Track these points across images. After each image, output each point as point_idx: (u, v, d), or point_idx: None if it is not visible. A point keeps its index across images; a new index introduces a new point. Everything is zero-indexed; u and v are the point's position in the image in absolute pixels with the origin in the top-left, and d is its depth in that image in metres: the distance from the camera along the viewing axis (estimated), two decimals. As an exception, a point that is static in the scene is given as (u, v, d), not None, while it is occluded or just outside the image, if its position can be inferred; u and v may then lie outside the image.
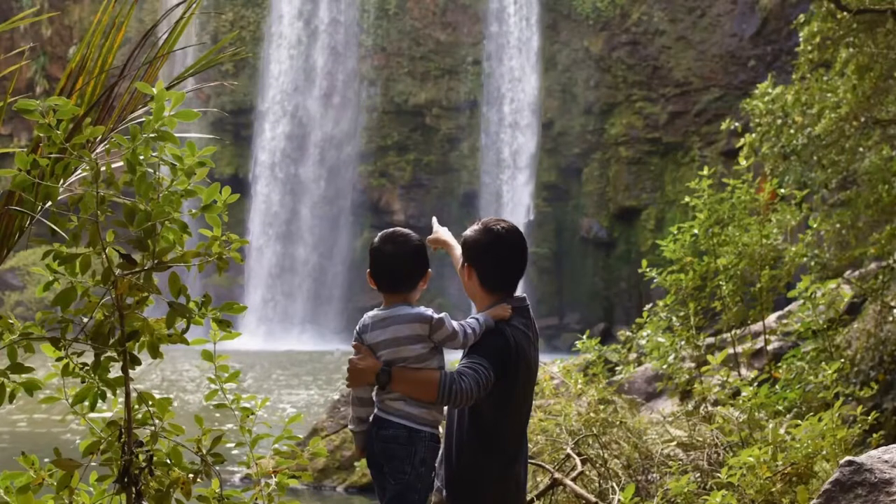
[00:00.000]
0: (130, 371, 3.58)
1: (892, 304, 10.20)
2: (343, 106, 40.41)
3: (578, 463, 7.42)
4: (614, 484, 7.24)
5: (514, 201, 39.02)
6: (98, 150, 3.63)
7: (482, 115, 39.75)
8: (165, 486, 3.64)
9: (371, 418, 3.79)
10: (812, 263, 10.82)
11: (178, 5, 3.80)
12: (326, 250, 39.88)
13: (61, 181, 3.52)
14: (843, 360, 9.26)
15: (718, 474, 6.69)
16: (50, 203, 3.50)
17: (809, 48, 12.62)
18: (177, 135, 3.52)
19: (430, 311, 3.70)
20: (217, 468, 3.83)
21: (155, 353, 3.62)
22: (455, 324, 3.70)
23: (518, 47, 39.63)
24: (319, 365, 29.12)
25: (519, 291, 3.93)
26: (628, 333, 10.06)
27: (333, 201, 40.16)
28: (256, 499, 4.06)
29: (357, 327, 3.83)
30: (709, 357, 8.34)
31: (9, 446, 13.50)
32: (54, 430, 15.51)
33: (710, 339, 11.26)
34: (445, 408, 3.80)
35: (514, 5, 39.68)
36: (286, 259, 39.74)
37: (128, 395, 3.57)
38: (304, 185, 40.21)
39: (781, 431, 6.71)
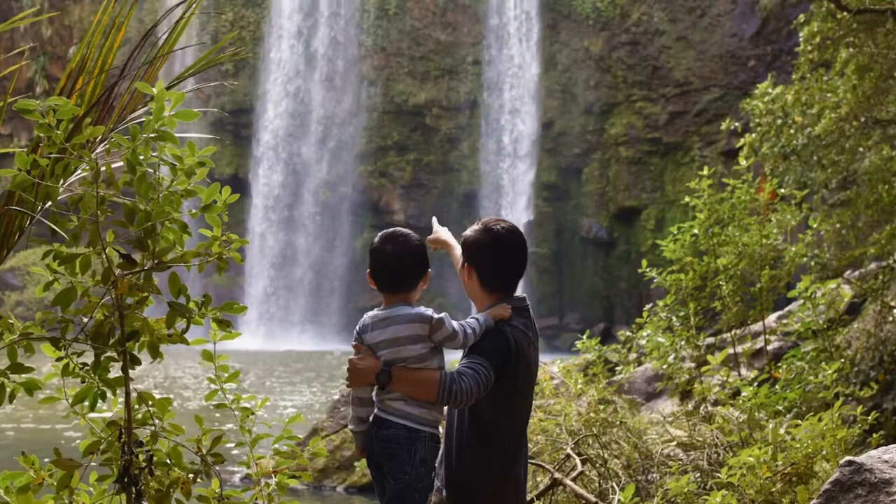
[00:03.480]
0: (130, 371, 3.57)
1: (892, 304, 10.19)
2: (343, 109, 40.39)
3: (578, 463, 7.42)
4: (614, 484, 7.24)
5: (515, 191, 38.99)
6: (98, 150, 3.63)
7: (482, 114, 39.76)
8: (165, 486, 3.64)
9: (371, 418, 3.79)
10: (812, 263, 10.81)
11: (178, 5, 3.80)
12: (327, 249, 39.89)
13: (61, 181, 3.52)
14: (843, 360, 9.25)
15: (718, 474, 6.69)
16: (50, 203, 3.50)
17: (809, 48, 12.62)
18: (177, 135, 3.52)
19: (430, 311, 3.70)
20: (217, 468, 3.82)
21: (155, 353, 3.61)
22: (455, 324, 3.70)
23: (518, 48, 39.63)
24: (319, 365, 29.12)
25: (519, 291, 3.93)
26: (628, 333, 10.05)
27: (333, 205, 40.16)
28: (256, 499, 4.06)
29: (357, 327, 3.83)
30: (709, 357, 8.33)
31: (9, 446, 13.50)
32: (54, 430, 15.51)
33: (710, 339, 11.26)
34: (445, 408, 3.80)
35: (513, 7, 39.68)
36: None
37: (128, 395, 3.57)
38: (304, 183, 40.23)
39: (781, 431, 6.71)
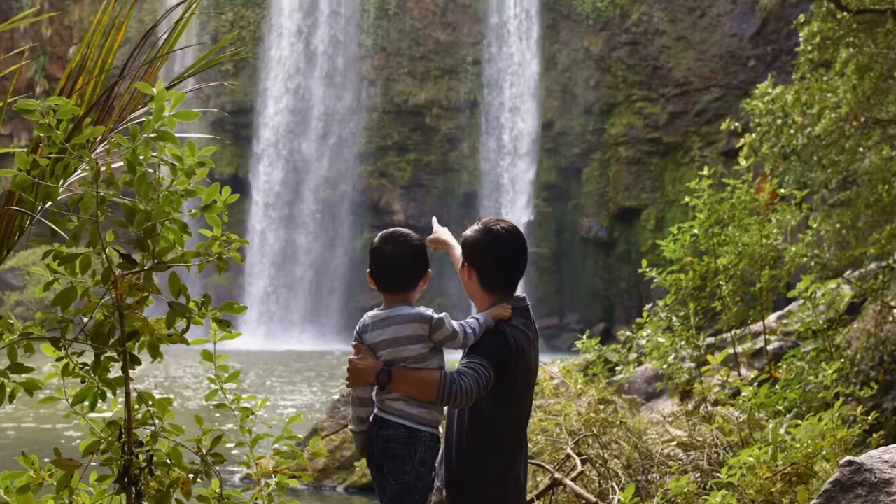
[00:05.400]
0: (130, 371, 3.57)
1: (892, 304, 10.20)
2: (342, 115, 40.39)
3: (578, 463, 7.42)
4: (614, 484, 7.24)
5: (515, 189, 39.00)
6: (98, 150, 3.63)
7: (482, 112, 39.76)
8: (165, 486, 3.64)
9: (371, 418, 3.79)
10: (812, 263, 10.81)
11: (178, 5, 3.80)
12: (328, 249, 39.88)
13: (61, 181, 3.52)
14: (843, 360, 9.25)
15: (718, 474, 6.69)
16: (50, 203, 3.50)
17: (809, 48, 12.62)
18: (177, 135, 3.52)
19: (430, 311, 3.70)
20: (217, 468, 3.82)
21: (155, 353, 3.61)
22: (455, 324, 3.70)
23: (518, 46, 39.62)
24: (319, 365, 29.12)
25: (519, 291, 3.93)
26: (628, 333, 10.05)
27: (334, 203, 40.16)
28: (256, 499, 4.06)
29: (357, 327, 3.83)
30: (709, 357, 8.33)
31: (9, 446, 13.50)
32: (54, 430, 15.51)
33: (710, 339, 11.25)
34: (445, 408, 3.80)
35: (513, 6, 39.68)
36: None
37: (128, 395, 3.57)
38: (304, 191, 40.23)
39: (781, 431, 6.71)
